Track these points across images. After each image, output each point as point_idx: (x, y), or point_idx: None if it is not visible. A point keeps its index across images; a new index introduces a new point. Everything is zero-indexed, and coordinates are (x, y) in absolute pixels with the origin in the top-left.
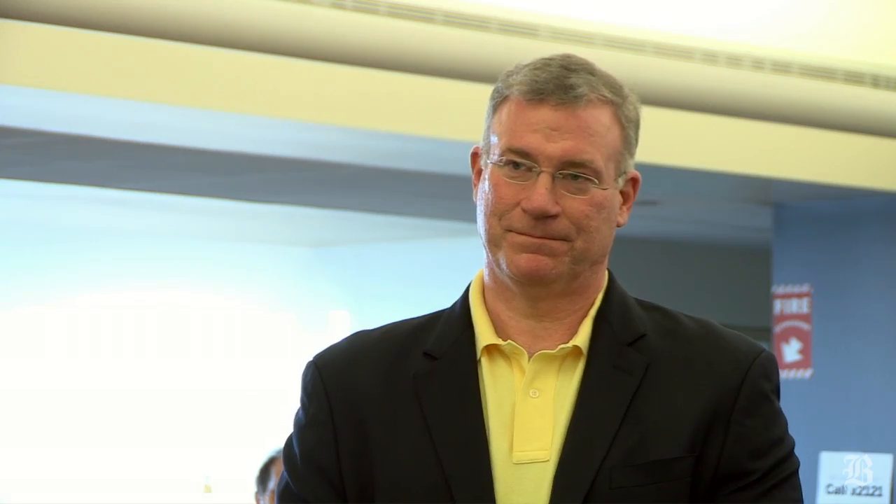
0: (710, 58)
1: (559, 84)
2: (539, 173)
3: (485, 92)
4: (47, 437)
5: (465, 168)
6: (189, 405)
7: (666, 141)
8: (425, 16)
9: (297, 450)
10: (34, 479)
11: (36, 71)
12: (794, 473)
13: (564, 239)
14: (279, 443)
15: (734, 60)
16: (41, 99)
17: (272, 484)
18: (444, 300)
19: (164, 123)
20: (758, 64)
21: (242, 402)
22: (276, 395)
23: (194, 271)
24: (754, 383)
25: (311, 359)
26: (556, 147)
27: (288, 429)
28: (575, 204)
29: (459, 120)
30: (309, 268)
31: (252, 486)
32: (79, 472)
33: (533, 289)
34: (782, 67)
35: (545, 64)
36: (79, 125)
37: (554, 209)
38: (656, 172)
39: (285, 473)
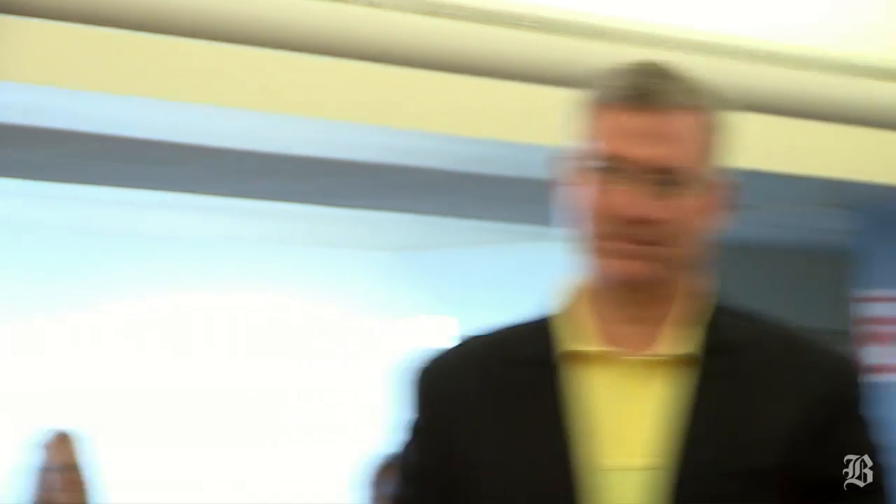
0: (798, 62)
1: (649, 90)
2: (629, 179)
3: (567, 96)
4: (150, 436)
5: (549, 172)
6: (273, 406)
7: (749, 145)
8: (511, 21)
9: (404, 457)
10: (139, 479)
11: (111, 75)
12: (888, 481)
13: (657, 244)
14: (373, 447)
15: (821, 64)
16: (122, 104)
17: (384, 489)
18: (528, 304)
19: (248, 129)
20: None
21: (324, 405)
22: (357, 398)
23: (278, 276)
24: (846, 392)
25: (418, 365)
26: (647, 153)
27: (370, 433)
28: (667, 210)
29: (542, 124)
30: (392, 272)
31: (359, 489)
32: (195, 471)
33: (627, 294)
34: (867, 71)
35: (635, 70)
36: (159, 131)
37: (645, 214)
38: (740, 177)
39: (398, 480)
